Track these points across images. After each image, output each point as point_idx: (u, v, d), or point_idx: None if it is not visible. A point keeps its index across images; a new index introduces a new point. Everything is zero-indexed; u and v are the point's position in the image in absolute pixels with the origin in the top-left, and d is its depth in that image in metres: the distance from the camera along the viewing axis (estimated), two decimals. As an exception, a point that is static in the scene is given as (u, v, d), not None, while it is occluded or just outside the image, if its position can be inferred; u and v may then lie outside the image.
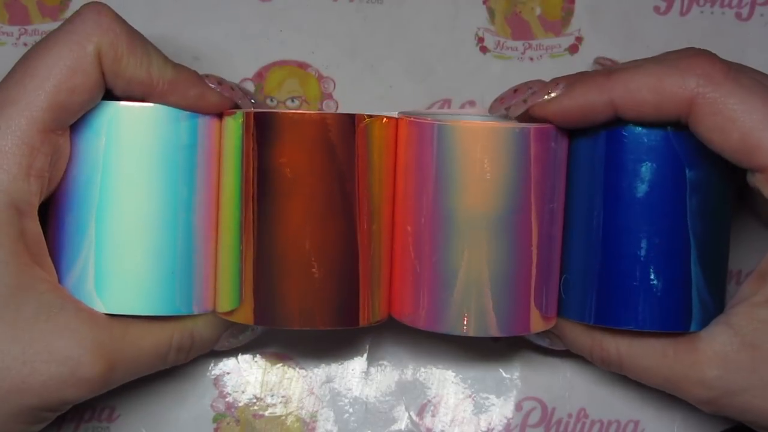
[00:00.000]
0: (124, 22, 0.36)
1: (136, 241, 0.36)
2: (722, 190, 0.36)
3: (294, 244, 0.36)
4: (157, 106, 0.37)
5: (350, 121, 0.36)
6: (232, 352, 0.43)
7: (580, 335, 0.38)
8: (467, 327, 0.36)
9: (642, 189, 0.36)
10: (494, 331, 0.36)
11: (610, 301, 0.36)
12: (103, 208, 0.35)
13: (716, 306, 0.37)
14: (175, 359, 0.38)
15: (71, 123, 0.35)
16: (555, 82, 0.37)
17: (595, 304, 0.36)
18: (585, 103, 0.35)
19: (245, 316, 0.36)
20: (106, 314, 0.36)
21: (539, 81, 0.38)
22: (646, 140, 0.36)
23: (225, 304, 0.37)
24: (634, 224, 0.36)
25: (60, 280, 0.36)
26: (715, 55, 0.35)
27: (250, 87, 0.45)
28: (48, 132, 0.34)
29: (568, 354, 0.40)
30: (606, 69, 0.36)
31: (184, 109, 0.37)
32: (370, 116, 0.37)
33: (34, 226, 0.35)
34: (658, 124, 0.35)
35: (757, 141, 0.34)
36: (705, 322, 0.36)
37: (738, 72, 0.34)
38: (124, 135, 0.36)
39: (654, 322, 0.36)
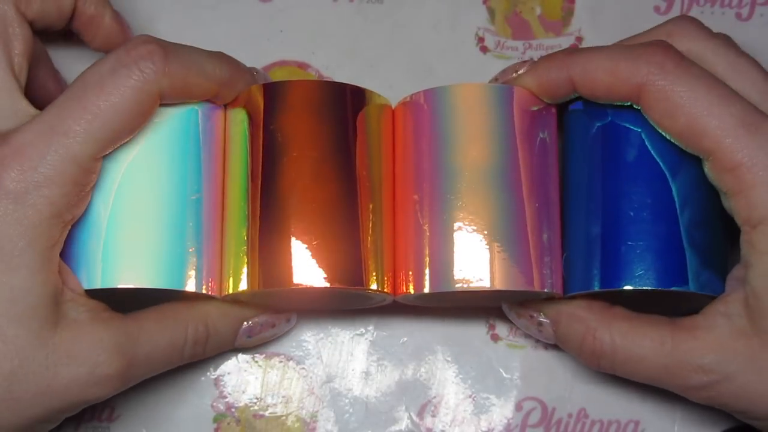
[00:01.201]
0: (173, 49, 0.36)
1: (145, 222, 0.36)
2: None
3: (291, 206, 0.36)
4: None
5: (344, 90, 0.38)
6: (233, 352, 0.43)
7: (574, 322, 0.38)
8: (475, 281, 0.36)
9: (632, 154, 0.37)
10: (498, 284, 0.36)
11: (616, 264, 0.36)
12: (117, 193, 0.37)
13: (718, 279, 0.37)
14: (193, 353, 0.39)
15: None
16: (524, 61, 0.39)
17: (599, 270, 0.37)
18: (547, 79, 0.38)
19: (252, 282, 0.37)
20: (121, 316, 0.37)
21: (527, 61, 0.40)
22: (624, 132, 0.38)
23: (233, 286, 0.37)
24: (631, 187, 0.37)
25: (75, 268, 0.36)
26: (672, 46, 0.36)
27: None
28: (100, 158, 0.36)
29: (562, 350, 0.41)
30: (570, 48, 0.38)
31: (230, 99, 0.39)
32: (370, 91, 0.38)
33: (66, 232, 0.36)
34: (612, 102, 0.37)
35: (702, 126, 0.35)
36: (702, 282, 0.36)
37: (691, 63, 0.36)
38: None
39: (660, 281, 0.36)
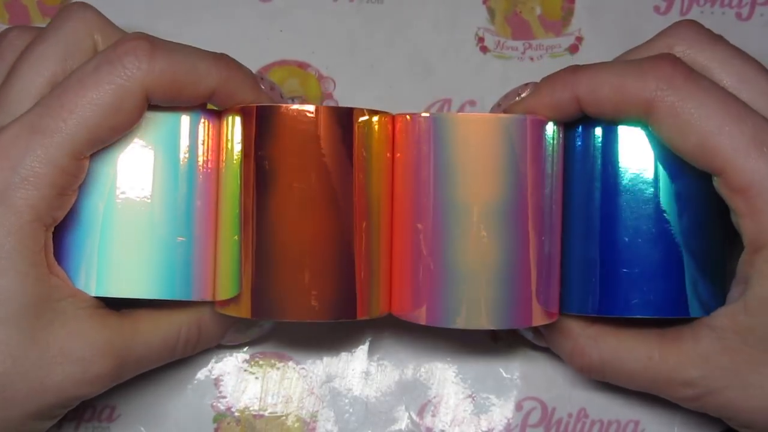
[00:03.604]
0: (162, 46, 0.35)
1: (139, 231, 0.36)
2: (705, 187, 0.37)
3: (280, 237, 0.36)
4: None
5: (337, 115, 0.36)
6: (233, 351, 0.43)
7: (563, 337, 0.39)
8: (473, 321, 0.36)
9: (632, 157, 0.37)
10: (497, 324, 0.36)
11: (613, 291, 0.36)
12: (111, 202, 0.36)
13: (715, 291, 0.37)
14: (183, 351, 0.40)
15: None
16: (527, 84, 0.38)
17: (598, 296, 0.37)
18: (551, 100, 0.36)
19: (244, 310, 0.36)
20: (117, 314, 0.37)
21: (532, 83, 0.39)
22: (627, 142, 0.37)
23: (223, 295, 0.37)
24: (629, 200, 0.36)
25: (71, 275, 0.36)
26: (679, 59, 0.35)
27: None
28: (81, 159, 0.35)
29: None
30: (574, 66, 0.37)
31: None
32: (362, 111, 0.37)
33: (50, 236, 0.36)
34: (619, 120, 0.36)
35: (714, 144, 0.34)
36: (705, 307, 0.37)
37: (700, 76, 0.35)
38: (136, 131, 0.36)
39: (659, 308, 0.36)
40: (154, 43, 0.35)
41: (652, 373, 0.37)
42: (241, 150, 0.37)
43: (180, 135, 0.37)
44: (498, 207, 0.36)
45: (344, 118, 0.36)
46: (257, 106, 0.36)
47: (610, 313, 0.37)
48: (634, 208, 0.36)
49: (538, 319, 0.37)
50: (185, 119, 0.37)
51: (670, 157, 0.36)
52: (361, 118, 0.37)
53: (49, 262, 0.35)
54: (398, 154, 0.38)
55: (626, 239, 0.36)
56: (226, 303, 0.37)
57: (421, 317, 0.37)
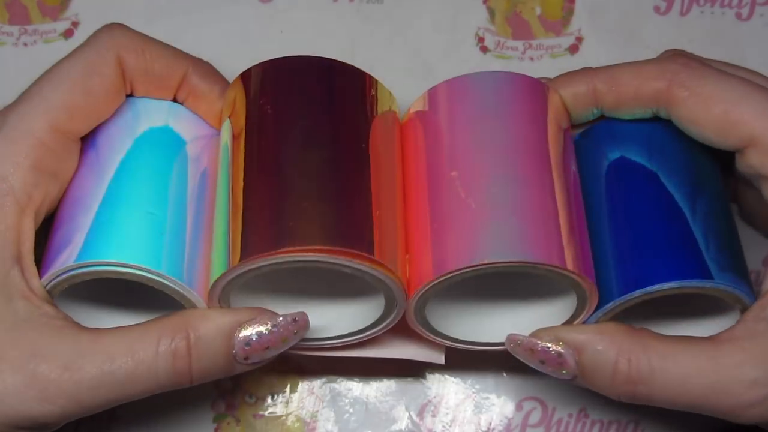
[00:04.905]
0: (137, 32, 0.36)
1: (131, 207, 0.35)
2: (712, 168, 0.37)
3: (276, 171, 0.33)
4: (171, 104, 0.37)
5: (347, 71, 0.36)
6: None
7: (602, 346, 0.34)
8: (517, 254, 0.33)
9: (650, 192, 0.36)
10: (536, 256, 0.33)
11: (650, 262, 0.35)
12: (111, 194, 0.35)
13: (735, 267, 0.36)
14: (173, 372, 0.33)
15: (88, 128, 0.35)
16: (541, 78, 0.38)
17: (634, 273, 0.35)
18: (569, 90, 0.37)
19: (234, 258, 0.32)
20: (77, 326, 0.33)
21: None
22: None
23: (214, 274, 0.34)
24: (652, 224, 0.36)
25: (56, 251, 0.34)
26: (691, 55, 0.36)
27: None
28: (60, 132, 0.34)
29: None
30: (589, 67, 0.37)
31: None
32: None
33: (28, 222, 0.33)
34: (635, 113, 0.36)
35: (740, 113, 0.34)
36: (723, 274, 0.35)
37: (712, 64, 0.36)
38: (152, 129, 0.36)
39: (692, 276, 0.35)
40: (130, 28, 0.36)
41: (711, 376, 0.33)
42: (237, 106, 0.36)
43: (180, 127, 0.37)
44: (524, 154, 0.35)
45: (343, 72, 0.36)
46: (257, 65, 0.37)
47: (653, 282, 0.35)
48: (658, 220, 0.36)
49: (571, 263, 0.34)
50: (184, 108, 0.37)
51: (683, 176, 0.36)
52: (373, 89, 0.37)
53: (22, 250, 0.33)
54: (429, 118, 0.37)
55: (650, 220, 0.36)
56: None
57: (461, 261, 0.34)
